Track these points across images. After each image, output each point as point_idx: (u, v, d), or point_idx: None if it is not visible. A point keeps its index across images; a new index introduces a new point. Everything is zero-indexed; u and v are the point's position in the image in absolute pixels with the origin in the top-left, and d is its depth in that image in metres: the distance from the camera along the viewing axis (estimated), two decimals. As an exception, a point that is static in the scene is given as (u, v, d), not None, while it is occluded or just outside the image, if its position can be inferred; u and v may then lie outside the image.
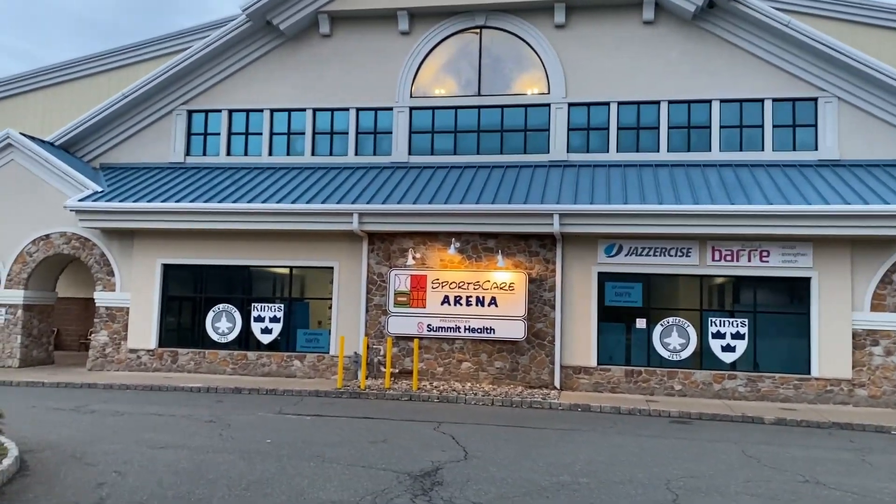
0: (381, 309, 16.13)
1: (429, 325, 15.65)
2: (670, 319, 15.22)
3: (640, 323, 15.38)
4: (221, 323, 16.90)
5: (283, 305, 16.81)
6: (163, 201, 16.38)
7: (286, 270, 17.01)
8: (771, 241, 14.77)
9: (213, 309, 16.98)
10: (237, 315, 16.86)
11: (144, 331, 17.01)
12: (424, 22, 18.02)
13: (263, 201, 16.07)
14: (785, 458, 9.54)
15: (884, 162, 15.91)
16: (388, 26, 18.12)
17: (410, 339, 15.71)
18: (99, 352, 17.15)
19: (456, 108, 17.96)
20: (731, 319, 15.04)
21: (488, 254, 15.78)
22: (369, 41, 18.23)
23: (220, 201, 16.21)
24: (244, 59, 18.66)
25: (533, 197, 15.37)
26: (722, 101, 16.85)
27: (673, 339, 15.15)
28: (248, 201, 16.12)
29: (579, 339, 15.43)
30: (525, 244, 15.73)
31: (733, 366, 14.96)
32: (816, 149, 16.42)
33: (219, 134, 18.85)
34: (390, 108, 18.10)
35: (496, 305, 15.41)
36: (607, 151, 17.20)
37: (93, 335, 17.39)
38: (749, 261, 14.90)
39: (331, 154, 18.38)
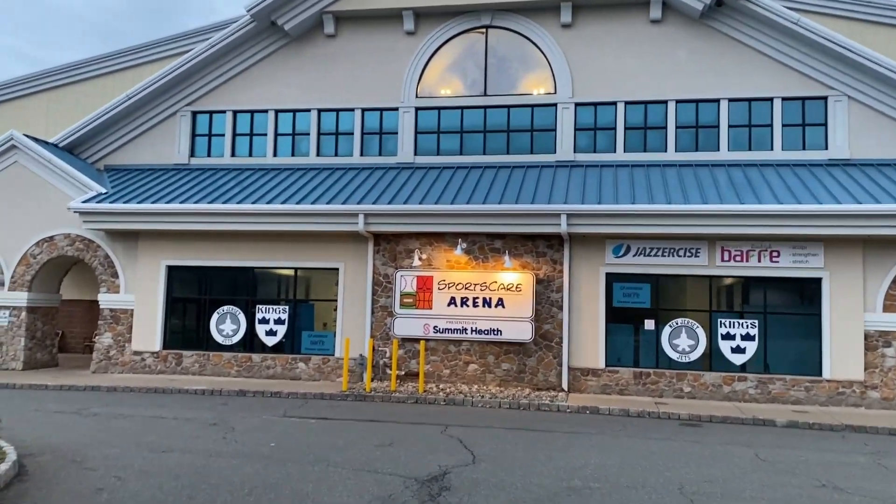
0: (387, 310, 15.98)
1: (435, 327, 15.50)
2: (679, 321, 15.04)
3: (649, 324, 15.20)
4: (226, 325, 16.78)
5: (287, 307, 16.68)
6: (167, 203, 16.27)
7: (291, 272, 16.88)
8: (781, 241, 14.58)
9: (218, 311, 16.86)
10: (242, 317, 16.74)
11: (149, 333, 16.91)
12: (430, 22, 17.89)
13: (268, 202, 15.95)
14: (799, 461, 9.35)
15: (895, 161, 15.71)
16: (394, 26, 18.00)
17: (416, 340, 15.56)
18: (103, 354, 17.05)
19: (462, 108, 17.82)
20: (740, 321, 14.85)
21: (495, 254, 15.63)
22: (374, 41, 18.10)
23: (224, 202, 16.09)
24: (249, 59, 18.56)
25: (540, 197, 15.21)
26: (730, 100, 16.67)
27: (682, 340, 14.97)
28: (253, 202, 16.00)
29: (587, 340, 15.25)
30: (532, 245, 15.57)
31: (743, 368, 14.77)
32: (826, 148, 16.23)
33: (223, 135, 18.75)
34: (396, 109, 17.98)
35: (503, 307, 15.25)
36: (614, 151, 17.03)
37: (97, 337, 17.28)
38: (759, 261, 14.71)
39: (336, 155, 18.26)
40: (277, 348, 16.61)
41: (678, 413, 12.93)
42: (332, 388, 14.92)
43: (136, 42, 22.70)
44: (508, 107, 17.62)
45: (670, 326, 15.03)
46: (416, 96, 17.89)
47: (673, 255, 15.02)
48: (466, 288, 15.45)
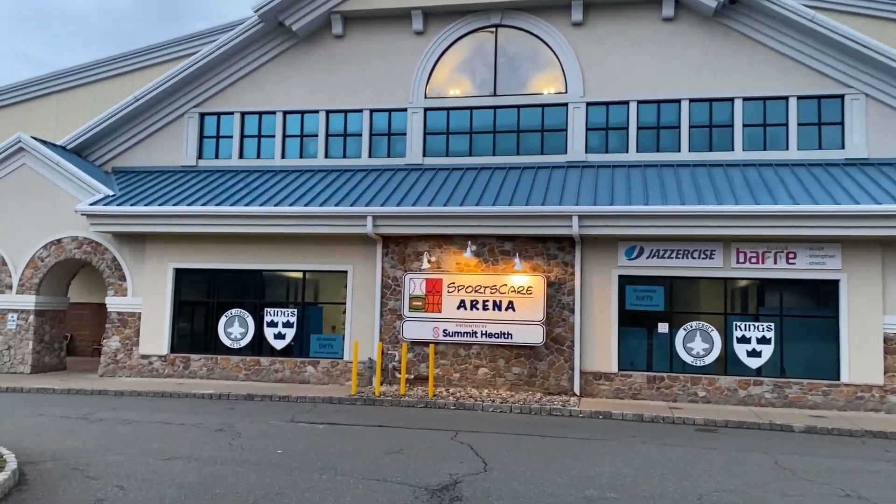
0: (396, 313, 15.78)
1: (445, 330, 15.28)
2: (693, 324, 14.76)
3: (663, 327, 14.93)
4: (234, 328, 16.63)
5: (296, 310, 16.50)
6: (175, 205, 16.14)
7: (299, 274, 16.71)
8: (798, 242, 14.29)
9: (226, 314, 16.71)
10: (250, 320, 16.58)
11: (156, 336, 16.78)
12: (439, 21, 17.69)
13: (276, 204, 15.79)
14: (821, 469, 9.07)
15: (915, 160, 15.41)
16: (402, 26, 17.81)
17: (426, 344, 15.36)
18: (111, 358, 16.93)
19: (471, 108, 17.60)
20: (756, 323, 14.56)
21: (505, 257, 15.40)
22: (383, 41, 17.92)
23: (232, 204, 15.94)
24: (256, 60, 18.41)
25: (551, 198, 14.97)
26: (745, 99, 16.38)
27: (696, 343, 14.69)
28: (261, 204, 15.85)
29: (599, 344, 15.00)
30: (543, 247, 15.33)
31: (759, 371, 14.48)
32: (843, 147, 15.92)
33: (231, 136, 18.61)
34: (404, 109, 17.78)
35: (514, 310, 15.02)
36: (627, 151, 16.77)
37: (104, 341, 17.17)
38: (775, 263, 14.43)
39: (344, 156, 18.08)
40: (286, 352, 16.44)
41: (693, 418, 12.66)
42: (341, 391, 14.73)
43: (144, 44, 22.64)
44: (518, 107, 17.39)
45: (684, 329, 14.76)
46: (425, 97, 17.69)
47: (687, 257, 14.76)
48: (476, 291, 15.23)
